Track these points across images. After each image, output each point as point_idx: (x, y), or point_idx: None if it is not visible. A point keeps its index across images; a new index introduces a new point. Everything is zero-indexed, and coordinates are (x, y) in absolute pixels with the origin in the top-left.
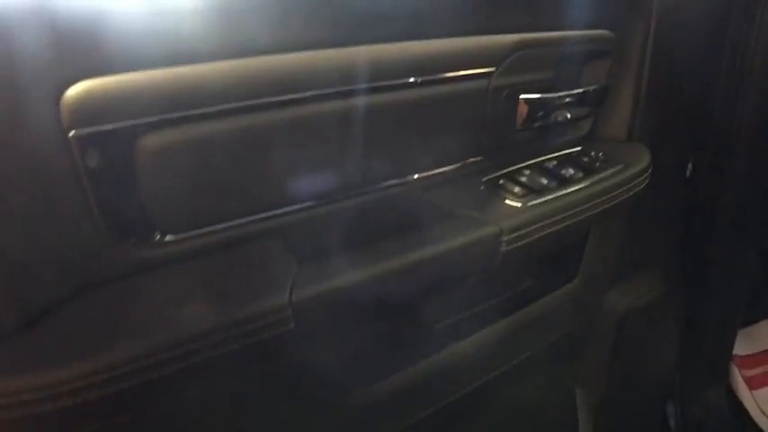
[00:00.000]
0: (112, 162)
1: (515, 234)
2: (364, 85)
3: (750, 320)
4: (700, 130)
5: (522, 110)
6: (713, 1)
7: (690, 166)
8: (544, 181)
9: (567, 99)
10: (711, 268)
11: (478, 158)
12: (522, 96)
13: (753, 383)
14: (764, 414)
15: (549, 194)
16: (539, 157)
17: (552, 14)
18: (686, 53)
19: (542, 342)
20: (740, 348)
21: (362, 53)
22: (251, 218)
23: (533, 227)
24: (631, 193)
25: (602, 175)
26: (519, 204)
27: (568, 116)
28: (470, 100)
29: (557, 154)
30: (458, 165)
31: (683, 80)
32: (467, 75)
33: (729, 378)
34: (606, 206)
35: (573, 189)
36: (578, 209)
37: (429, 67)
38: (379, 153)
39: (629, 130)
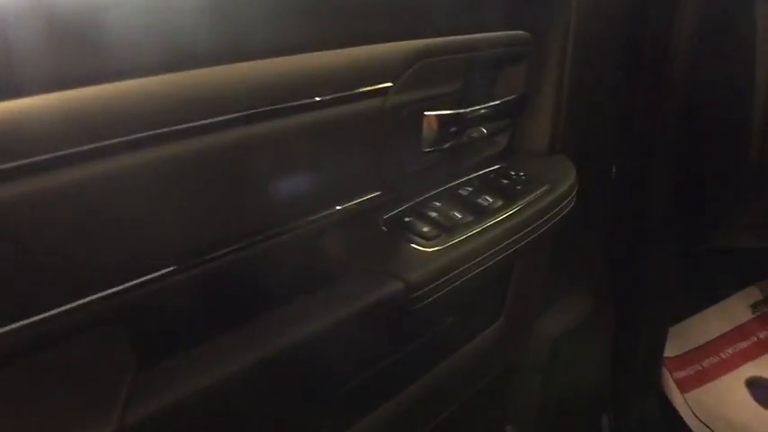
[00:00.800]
0: None
1: (425, 288)
2: (223, 117)
3: (677, 318)
4: (622, 132)
5: (429, 129)
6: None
7: (614, 168)
8: (458, 215)
9: (482, 112)
10: (639, 272)
11: (376, 193)
12: (428, 113)
13: (684, 386)
14: (697, 417)
15: (464, 232)
16: (450, 182)
17: (460, 14)
18: (607, 52)
19: (469, 391)
20: (669, 350)
21: (214, 76)
22: (72, 305)
23: (447, 276)
24: (559, 216)
25: (526, 200)
26: (428, 249)
27: (484, 132)
28: (362, 124)
29: (472, 176)
30: (350, 203)
31: (605, 82)
32: (356, 94)
33: (662, 382)
34: (532, 237)
35: (493, 222)
36: (500, 246)
37: (307, 88)
38: (247, 198)
39: (551, 140)
